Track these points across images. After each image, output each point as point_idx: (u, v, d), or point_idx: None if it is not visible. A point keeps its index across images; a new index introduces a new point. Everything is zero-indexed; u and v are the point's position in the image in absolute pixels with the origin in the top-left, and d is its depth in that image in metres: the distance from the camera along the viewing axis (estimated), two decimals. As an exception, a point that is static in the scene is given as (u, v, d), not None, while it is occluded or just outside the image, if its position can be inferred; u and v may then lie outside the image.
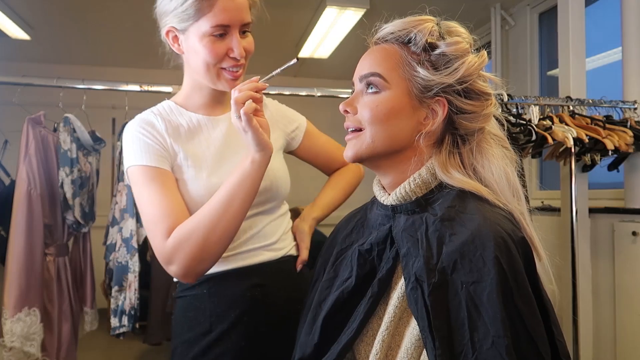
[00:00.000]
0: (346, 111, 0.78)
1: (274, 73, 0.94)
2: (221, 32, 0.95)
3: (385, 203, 0.78)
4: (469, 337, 0.59)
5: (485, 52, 0.76)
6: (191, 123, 1.05)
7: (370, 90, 0.75)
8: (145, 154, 0.98)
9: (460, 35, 0.75)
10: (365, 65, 0.77)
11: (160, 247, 0.91)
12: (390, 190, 0.78)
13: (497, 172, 0.74)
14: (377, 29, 0.79)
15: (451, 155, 0.75)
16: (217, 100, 1.08)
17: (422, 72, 0.73)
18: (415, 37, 0.74)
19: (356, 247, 0.78)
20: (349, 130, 0.78)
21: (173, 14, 0.97)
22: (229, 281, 1.03)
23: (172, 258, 0.90)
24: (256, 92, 0.90)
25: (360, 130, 0.76)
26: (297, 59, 0.94)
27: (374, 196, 0.84)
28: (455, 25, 0.76)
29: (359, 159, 0.77)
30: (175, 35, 1.00)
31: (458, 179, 0.72)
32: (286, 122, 1.19)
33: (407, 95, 0.73)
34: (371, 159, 0.77)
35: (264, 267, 1.06)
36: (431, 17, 0.76)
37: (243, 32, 1.00)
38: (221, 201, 0.91)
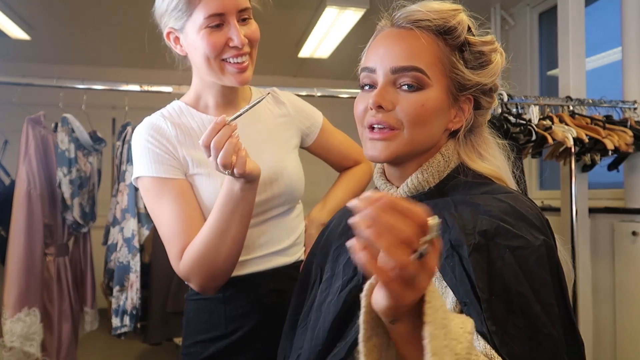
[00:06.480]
0: (380, 107, 0.67)
1: (242, 111, 0.86)
2: (217, 22, 0.90)
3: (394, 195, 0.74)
4: (517, 303, 0.56)
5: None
6: (202, 126, 1.00)
7: (407, 87, 0.67)
8: (154, 164, 0.94)
9: (486, 30, 0.73)
10: (399, 55, 0.68)
11: (175, 266, 0.94)
12: (399, 183, 0.73)
13: (499, 158, 0.75)
14: (400, 10, 0.71)
15: (467, 144, 0.74)
16: (228, 100, 1.04)
17: (465, 71, 0.69)
18: (455, 29, 0.68)
19: None
20: (378, 127, 0.68)
21: (168, 14, 0.94)
22: (244, 286, 1.02)
23: (187, 277, 0.93)
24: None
25: (393, 128, 0.68)
26: (269, 92, 0.91)
27: (373, 189, 0.80)
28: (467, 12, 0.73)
29: (394, 160, 0.70)
30: (176, 37, 0.97)
31: (481, 164, 0.72)
32: (302, 118, 1.15)
33: (446, 94, 0.69)
34: (402, 158, 0.70)
35: (279, 273, 1.04)
36: (459, 6, 0.70)
37: (243, 20, 0.94)
38: (220, 227, 0.89)
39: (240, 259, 1.00)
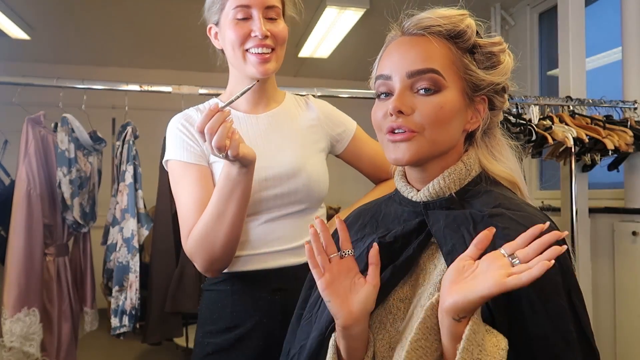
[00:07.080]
0: (399, 111, 0.68)
1: (233, 98, 0.90)
2: (244, 15, 1.00)
3: (414, 199, 0.74)
4: (533, 332, 0.58)
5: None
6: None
7: (424, 91, 0.69)
8: (180, 149, 1.03)
9: (490, 32, 0.75)
10: (414, 59, 0.69)
11: (184, 246, 1.01)
12: (420, 186, 0.75)
13: (512, 160, 0.77)
14: (409, 18, 0.73)
15: (482, 146, 0.76)
16: (260, 97, 1.11)
17: (478, 71, 0.71)
18: (465, 33, 0.71)
19: (375, 239, 0.74)
20: (399, 131, 0.69)
21: (209, 11, 1.06)
22: (250, 282, 1.04)
23: (192, 257, 1.00)
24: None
25: (413, 132, 0.69)
26: (258, 80, 0.98)
27: (392, 192, 0.81)
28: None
29: (417, 162, 0.71)
30: (215, 32, 1.07)
31: (497, 166, 0.74)
32: (332, 124, 1.18)
33: (462, 95, 0.71)
34: (425, 159, 0.72)
35: (286, 272, 1.05)
36: (466, 11, 0.73)
37: (271, 19, 1.03)
38: (218, 209, 0.94)
39: (249, 252, 1.04)
